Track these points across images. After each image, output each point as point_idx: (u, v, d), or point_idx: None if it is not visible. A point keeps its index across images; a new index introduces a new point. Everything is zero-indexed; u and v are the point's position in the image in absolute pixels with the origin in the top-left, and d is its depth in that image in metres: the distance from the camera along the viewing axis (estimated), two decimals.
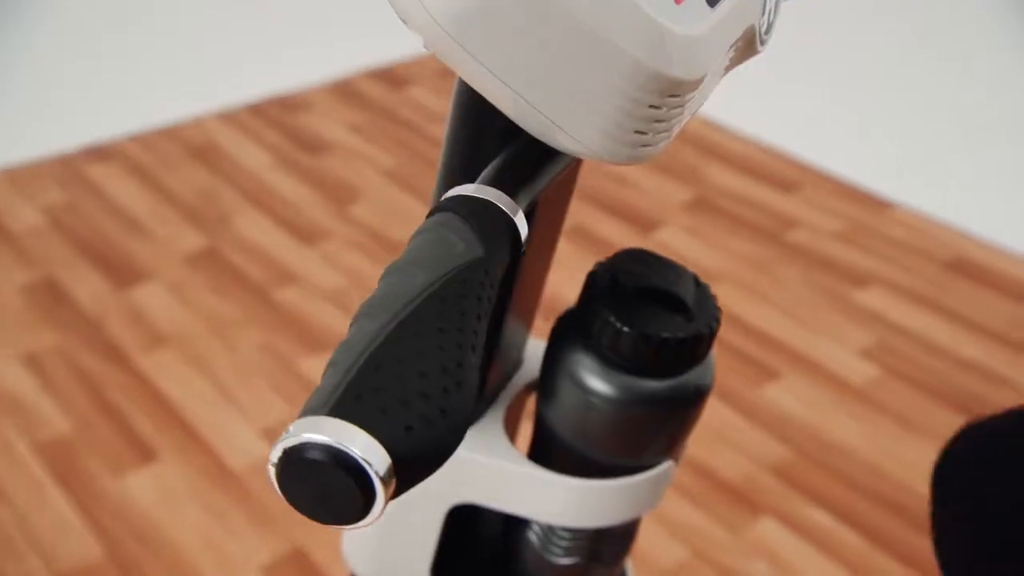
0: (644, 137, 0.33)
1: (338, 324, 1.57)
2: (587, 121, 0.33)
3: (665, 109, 0.33)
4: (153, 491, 1.27)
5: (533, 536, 0.49)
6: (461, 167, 0.40)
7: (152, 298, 1.58)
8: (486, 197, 0.34)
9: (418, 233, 0.33)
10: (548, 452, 0.46)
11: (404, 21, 0.32)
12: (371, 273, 1.69)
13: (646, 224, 1.78)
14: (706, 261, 1.69)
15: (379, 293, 0.30)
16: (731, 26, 0.34)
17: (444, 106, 2.17)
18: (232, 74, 2.24)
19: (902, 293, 1.62)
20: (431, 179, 1.93)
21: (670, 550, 1.21)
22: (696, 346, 0.42)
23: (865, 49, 2.31)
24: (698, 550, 1.21)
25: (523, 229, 0.34)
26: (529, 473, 0.45)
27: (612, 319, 0.42)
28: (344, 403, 0.26)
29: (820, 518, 1.26)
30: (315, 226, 1.79)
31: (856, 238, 1.74)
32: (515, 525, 0.50)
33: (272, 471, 0.27)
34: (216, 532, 1.22)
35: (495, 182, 0.34)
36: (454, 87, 0.40)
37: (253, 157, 1.96)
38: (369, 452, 0.26)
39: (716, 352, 1.51)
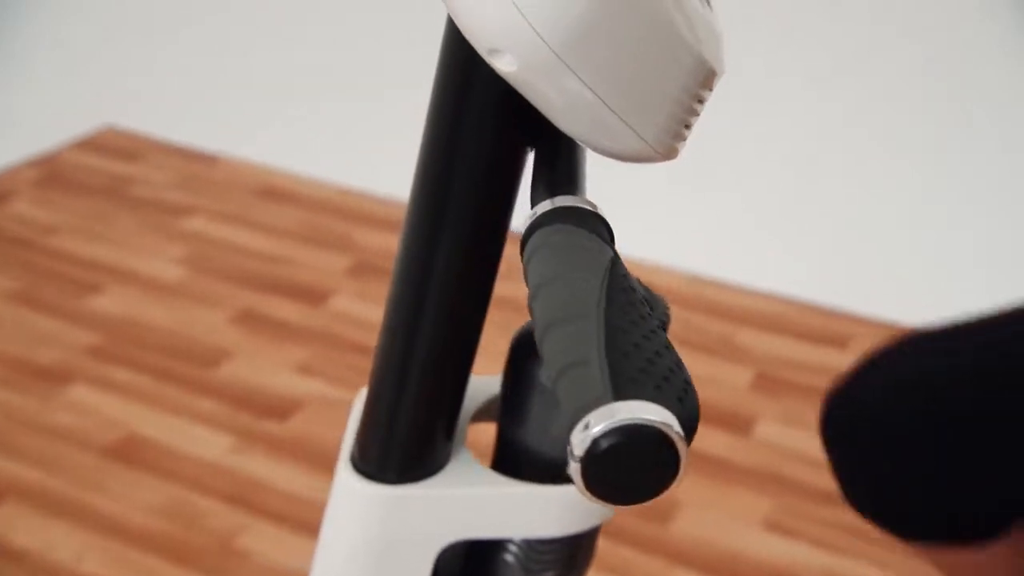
0: (686, 131, 0.38)
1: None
2: (653, 119, 0.37)
3: (702, 103, 0.38)
4: None
5: (511, 558, 0.49)
6: (457, 181, 0.41)
7: None
8: (580, 205, 0.36)
9: (544, 246, 0.34)
10: (522, 470, 0.47)
11: (494, 50, 0.34)
12: (25, 406, 1.51)
13: (316, 297, 1.77)
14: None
15: (558, 299, 0.32)
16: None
17: (54, 217, 2.00)
18: None
19: None
20: (68, 293, 1.77)
21: None
22: None
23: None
24: None
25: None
26: (527, 492, 0.46)
27: None
28: (624, 387, 0.28)
29: None
30: None
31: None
32: (487, 554, 0.49)
33: (576, 469, 0.28)
34: None
35: (569, 191, 0.36)
36: (439, 109, 0.40)
37: None
38: (668, 420, 0.28)
39: None
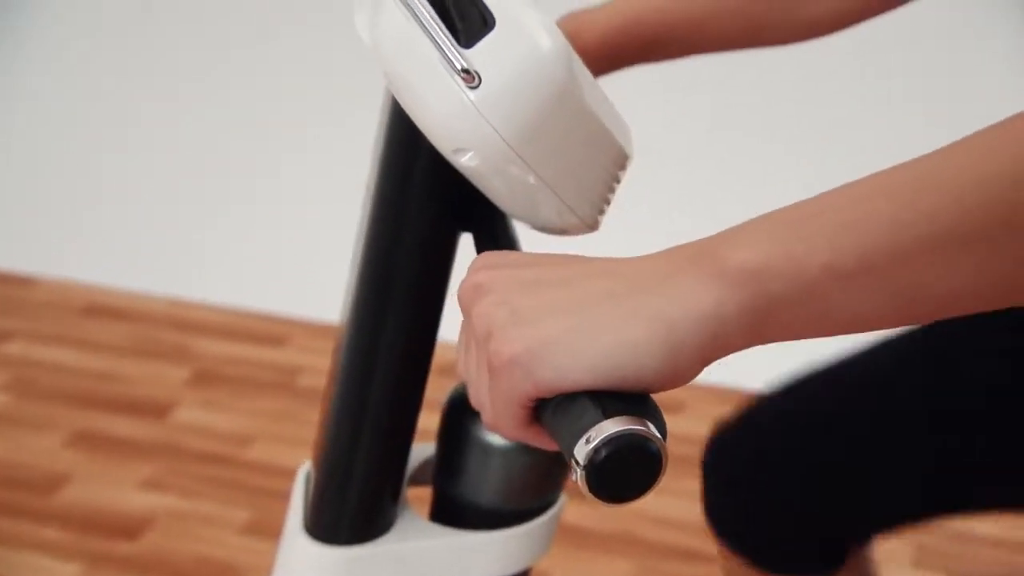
0: (606, 206, 0.46)
1: None
2: (584, 196, 0.44)
3: (619, 182, 0.46)
4: None
5: None
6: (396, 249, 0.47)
7: None
8: None
9: None
10: (463, 520, 0.51)
11: (459, 149, 0.40)
12: None
13: (158, 411, 1.73)
14: (229, 427, 1.69)
15: None
16: None
17: None
18: None
19: None
20: None
21: None
22: None
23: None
24: None
25: None
26: (471, 540, 0.50)
27: None
28: (611, 410, 0.34)
29: None
30: None
31: None
32: None
33: (582, 476, 0.34)
34: None
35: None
36: (380, 202, 0.45)
37: None
38: (650, 429, 0.34)
39: None
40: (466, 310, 0.39)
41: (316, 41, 2.32)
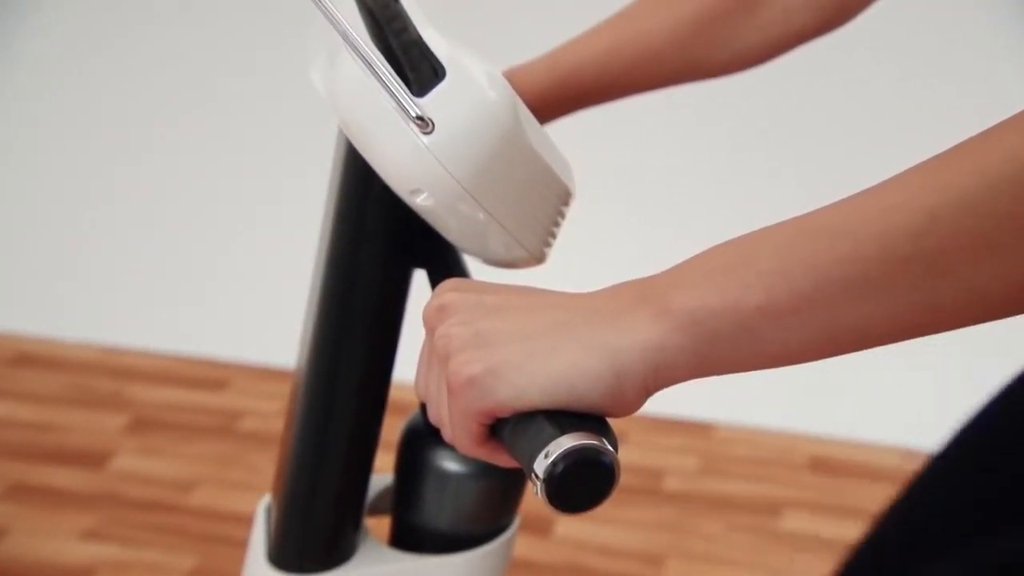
0: (552, 239, 0.49)
1: None
2: (533, 231, 0.47)
3: (563, 217, 0.49)
4: None
5: None
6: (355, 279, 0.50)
7: None
8: None
9: None
10: (422, 545, 0.53)
11: (415, 191, 0.43)
12: None
13: (96, 459, 1.71)
14: (170, 473, 1.68)
15: None
16: None
17: None
18: None
19: None
20: None
21: None
22: None
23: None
24: None
25: None
26: (432, 563, 0.52)
27: None
28: (567, 428, 0.36)
29: None
30: None
31: None
32: None
33: (542, 488, 0.36)
34: None
35: None
36: (335, 243, 0.48)
37: None
38: (603, 443, 0.37)
39: None
40: (430, 329, 0.41)
41: (257, 89, 2.33)
